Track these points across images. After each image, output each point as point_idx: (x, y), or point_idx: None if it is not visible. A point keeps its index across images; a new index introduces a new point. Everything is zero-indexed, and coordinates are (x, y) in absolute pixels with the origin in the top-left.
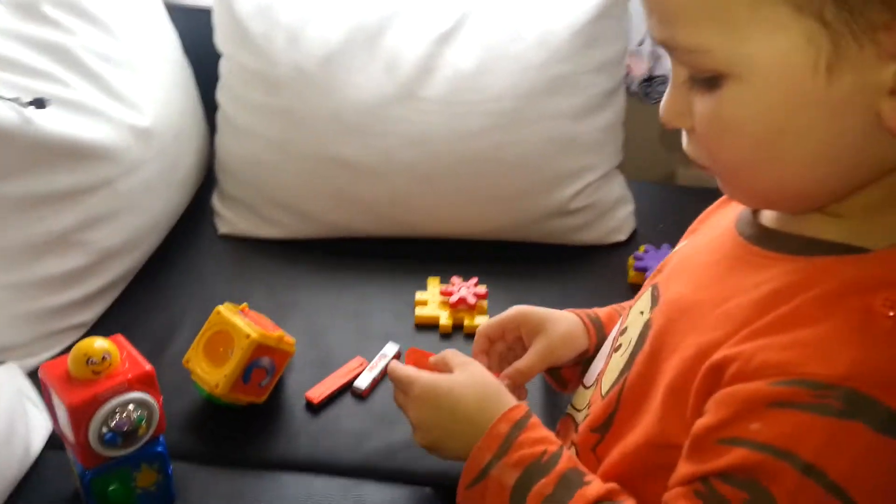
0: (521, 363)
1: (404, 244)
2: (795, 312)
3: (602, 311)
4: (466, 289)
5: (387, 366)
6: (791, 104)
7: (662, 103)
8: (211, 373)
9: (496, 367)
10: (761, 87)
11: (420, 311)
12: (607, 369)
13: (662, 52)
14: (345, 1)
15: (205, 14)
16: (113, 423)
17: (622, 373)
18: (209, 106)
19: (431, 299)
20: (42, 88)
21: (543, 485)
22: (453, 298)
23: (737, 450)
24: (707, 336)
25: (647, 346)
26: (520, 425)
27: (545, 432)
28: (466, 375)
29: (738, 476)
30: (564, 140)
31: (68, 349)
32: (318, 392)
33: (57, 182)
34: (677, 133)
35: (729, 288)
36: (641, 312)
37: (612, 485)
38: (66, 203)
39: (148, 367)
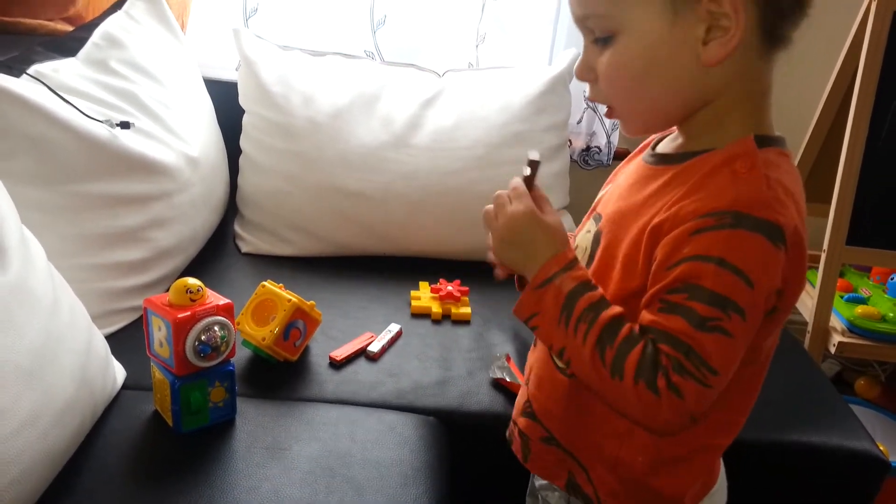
0: None
1: (398, 260)
2: (692, 185)
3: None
4: (452, 287)
5: (436, 291)
6: (653, 47)
7: (576, 65)
8: (258, 331)
9: None
10: (637, 37)
11: (415, 304)
12: None
13: (595, 129)
14: (348, 74)
15: (227, 85)
16: (205, 337)
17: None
18: (229, 153)
19: (423, 295)
20: (119, 118)
21: (591, 295)
22: (442, 293)
23: (676, 268)
24: (641, 220)
25: (602, 244)
26: (575, 258)
27: None
28: (553, 218)
29: (677, 284)
30: None
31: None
32: (339, 353)
33: (131, 188)
34: None
35: (645, 192)
36: (588, 231)
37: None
38: (136, 206)
39: (228, 301)
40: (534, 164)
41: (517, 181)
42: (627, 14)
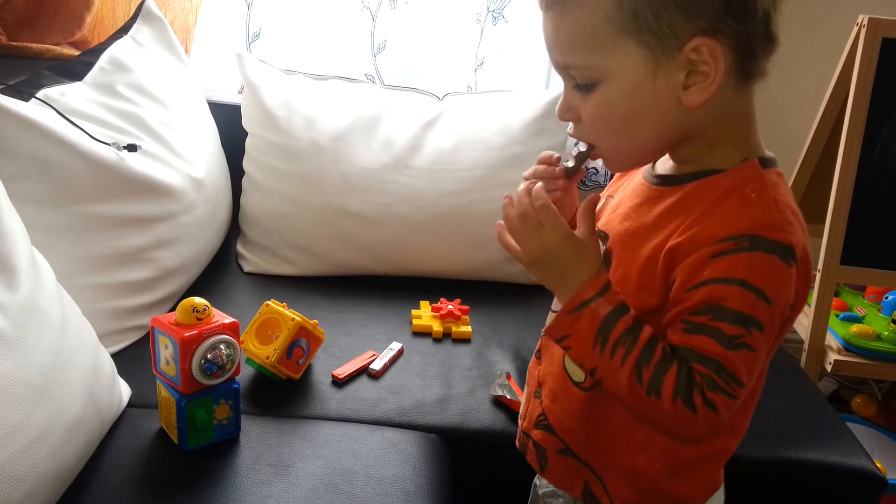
0: None
1: (399, 280)
2: (705, 210)
3: None
4: (452, 306)
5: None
6: (636, 94)
7: (557, 107)
8: (262, 349)
9: None
10: (620, 85)
11: (416, 322)
12: None
13: None
14: (349, 97)
15: (230, 108)
16: (210, 356)
17: None
18: (232, 174)
19: (424, 314)
20: (126, 141)
21: (626, 319)
22: (443, 311)
23: (698, 290)
24: (654, 241)
25: (613, 264)
26: (609, 282)
27: None
28: (590, 239)
29: (701, 307)
30: None
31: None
32: (341, 371)
33: (137, 210)
34: None
35: (653, 212)
36: None
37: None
38: (142, 227)
39: (234, 320)
40: (581, 157)
41: (544, 200)
42: (610, 64)
